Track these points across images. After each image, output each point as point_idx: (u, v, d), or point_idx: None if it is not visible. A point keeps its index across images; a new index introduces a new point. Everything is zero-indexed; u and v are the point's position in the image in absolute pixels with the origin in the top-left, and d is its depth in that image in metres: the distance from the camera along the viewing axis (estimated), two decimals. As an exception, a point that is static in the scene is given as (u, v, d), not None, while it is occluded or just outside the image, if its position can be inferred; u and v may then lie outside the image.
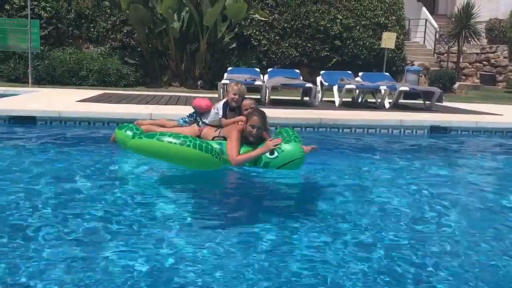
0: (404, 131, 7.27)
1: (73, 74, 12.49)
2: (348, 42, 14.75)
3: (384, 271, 2.45)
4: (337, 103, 9.33)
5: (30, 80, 11.57)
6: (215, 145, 4.21)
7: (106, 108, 7.34)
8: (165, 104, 8.27)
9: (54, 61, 12.51)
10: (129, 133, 4.64)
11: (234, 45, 13.62)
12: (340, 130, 7.09)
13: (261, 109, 4.68)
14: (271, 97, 9.50)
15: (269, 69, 11.05)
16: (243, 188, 4.21)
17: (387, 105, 9.54)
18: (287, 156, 4.20)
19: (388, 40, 13.03)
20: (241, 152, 4.26)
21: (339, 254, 2.64)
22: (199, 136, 4.56)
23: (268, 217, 3.22)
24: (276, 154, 4.19)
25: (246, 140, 4.38)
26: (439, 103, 9.75)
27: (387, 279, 2.37)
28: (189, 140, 3.86)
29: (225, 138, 4.42)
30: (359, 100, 10.39)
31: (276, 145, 4.19)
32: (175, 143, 3.82)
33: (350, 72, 10.88)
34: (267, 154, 4.22)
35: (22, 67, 12.44)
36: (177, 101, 8.99)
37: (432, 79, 14.70)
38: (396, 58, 15.36)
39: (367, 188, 4.08)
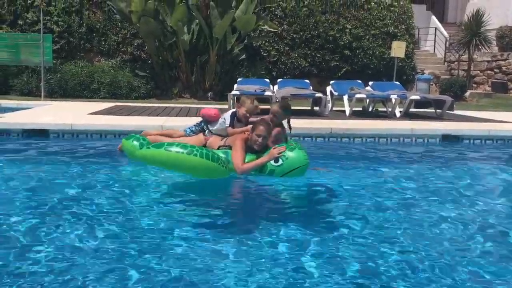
0: (415, 140, 7.20)
1: (85, 87, 12.65)
2: (357, 51, 14.76)
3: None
4: (347, 113, 9.30)
5: (42, 94, 11.74)
6: (221, 154, 4.25)
7: (117, 120, 7.40)
8: (176, 116, 8.31)
9: (66, 74, 12.68)
10: (136, 143, 4.73)
11: (243, 56, 13.70)
12: (351, 140, 7.06)
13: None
14: (281, 107, 9.48)
15: (279, 80, 11.09)
16: (249, 196, 4.21)
17: (398, 114, 9.49)
18: (291, 163, 4.22)
19: (398, 49, 12.99)
20: (246, 161, 4.29)
21: (347, 261, 2.61)
22: (205, 146, 4.62)
23: (276, 225, 3.19)
24: (280, 161, 4.22)
25: (251, 149, 4.41)
26: (450, 112, 9.68)
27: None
28: (196, 149, 3.92)
29: (230, 147, 4.46)
30: (370, 109, 10.36)
31: (280, 152, 4.21)
32: (182, 153, 3.87)
33: (360, 81, 10.87)
34: (272, 162, 4.24)
35: (34, 80, 12.63)
36: (187, 112, 9.04)
37: (443, 88, 14.61)
38: (406, 67, 15.30)
39: (377, 197, 4.03)
